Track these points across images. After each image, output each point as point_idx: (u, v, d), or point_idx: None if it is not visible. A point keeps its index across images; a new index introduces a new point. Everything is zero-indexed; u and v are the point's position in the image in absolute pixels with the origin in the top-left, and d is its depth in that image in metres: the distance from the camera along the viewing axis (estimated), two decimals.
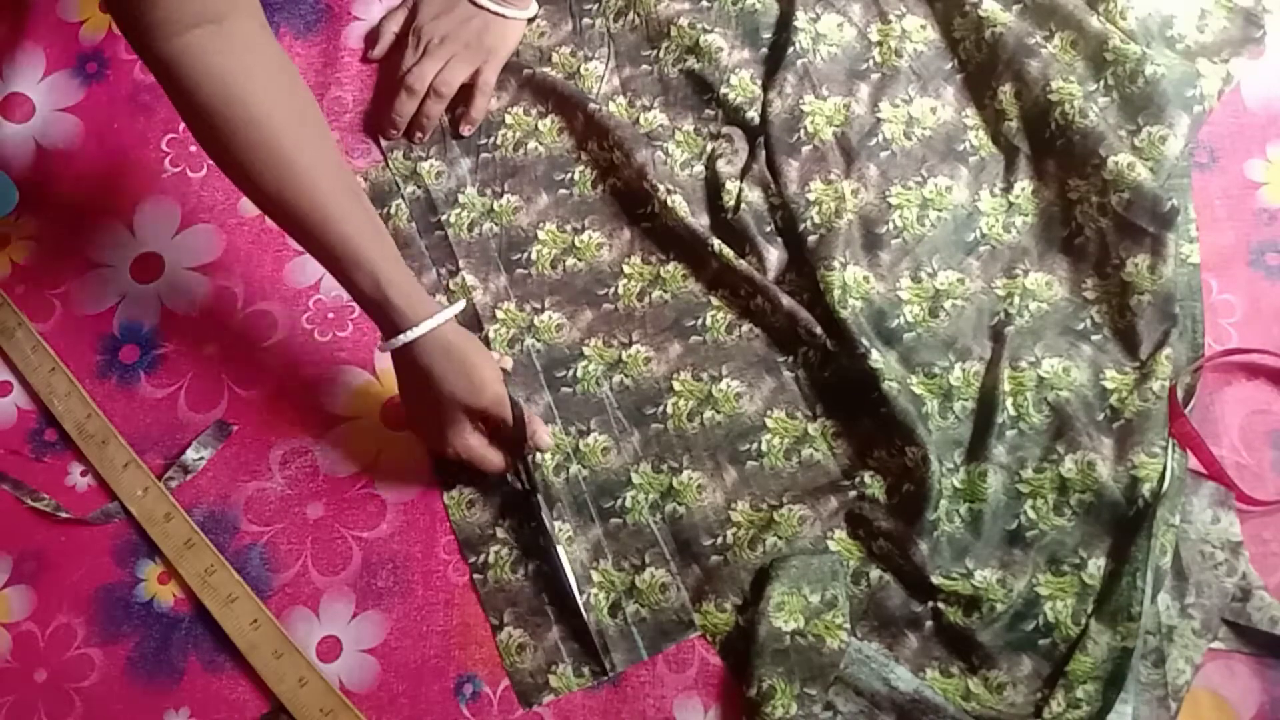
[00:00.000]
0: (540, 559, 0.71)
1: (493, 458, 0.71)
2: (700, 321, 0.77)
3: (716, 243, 0.77)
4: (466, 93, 0.84)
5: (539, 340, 0.78)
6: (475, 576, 0.71)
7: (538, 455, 0.73)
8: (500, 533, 0.70)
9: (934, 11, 0.85)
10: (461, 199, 0.83)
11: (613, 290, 0.79)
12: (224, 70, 0.60)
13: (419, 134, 0.84)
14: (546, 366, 0.77)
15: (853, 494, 0.71)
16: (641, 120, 0.83)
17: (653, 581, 0.70)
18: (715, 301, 0.78)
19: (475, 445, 0.70)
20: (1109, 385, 0.71)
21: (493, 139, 0.85)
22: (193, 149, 0.87)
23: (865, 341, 0.71)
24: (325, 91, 0.88)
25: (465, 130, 0.84)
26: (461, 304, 0.69)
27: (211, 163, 0.85)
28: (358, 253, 0.64)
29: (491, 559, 0.71)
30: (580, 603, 0.69)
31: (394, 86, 0.84)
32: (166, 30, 0.59)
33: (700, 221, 0.79)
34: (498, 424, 0.70)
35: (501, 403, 0.68)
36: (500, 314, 0.79)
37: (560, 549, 0.70)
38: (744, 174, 0.80)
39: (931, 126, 0.81)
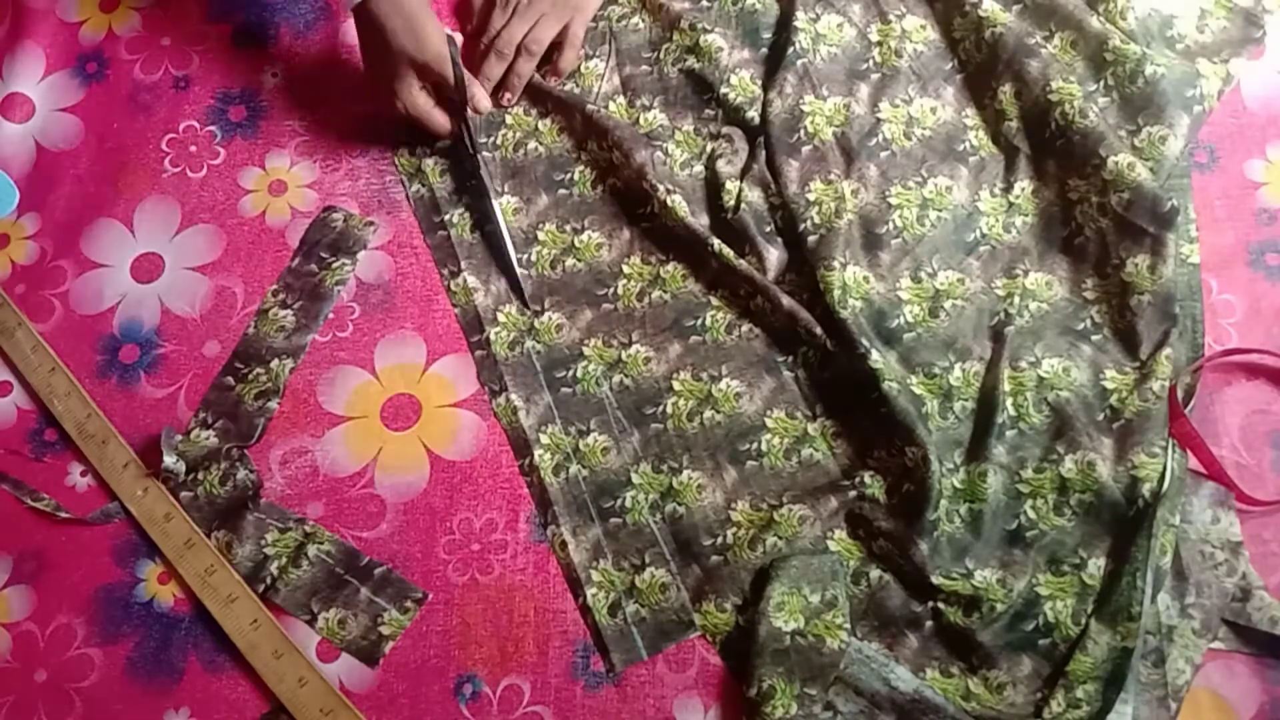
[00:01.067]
0: (486, 220, 0.81)
1: (438, 117, 0.81)
2: (700, 321, 0.77)
3: (716, 243, 0.77)
4: (553, 47, 0.85)
5: (539, 341, 0.78)
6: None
7: (495, 205, 0.81)
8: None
9: (934, 11, 0.85)
10: (464, 200, 0.83)
11: (612, 290, 0.79)
12: None
13: (507, 95, 0.85)
14: (546, 367, 0.77)
15: (853, 494, 0.71)
16: (641, 120, 0.83)
17: (653, 581, 0.70)
18: (715, 301, 0.78)
19: (422, 103, 0.80)
20: (1109, 385, 0.71)
21: (493, 139, 0.85)
22: (193, 149, 0.87)
23: (865, 341, 0.71)
24: None
25: (553, 81, 0.86)
26: None
27: (212, 163, 0.86)
28: None
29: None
30: (513, 257, 0.79)
31: (480, 50, 0.86)
32: None
33: (700, 221, 0.79)
34: (441, 83, 0.79)
35: (443, 60, 0.77)
36: (501, 316, 0.79)
37: (496, 204, 0.80)
38: (744, 174, 0.80)
39: (931, 126, 0.81)
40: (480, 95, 0.82)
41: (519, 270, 0.79)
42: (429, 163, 0.84)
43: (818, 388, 0.74)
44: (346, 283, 0.81)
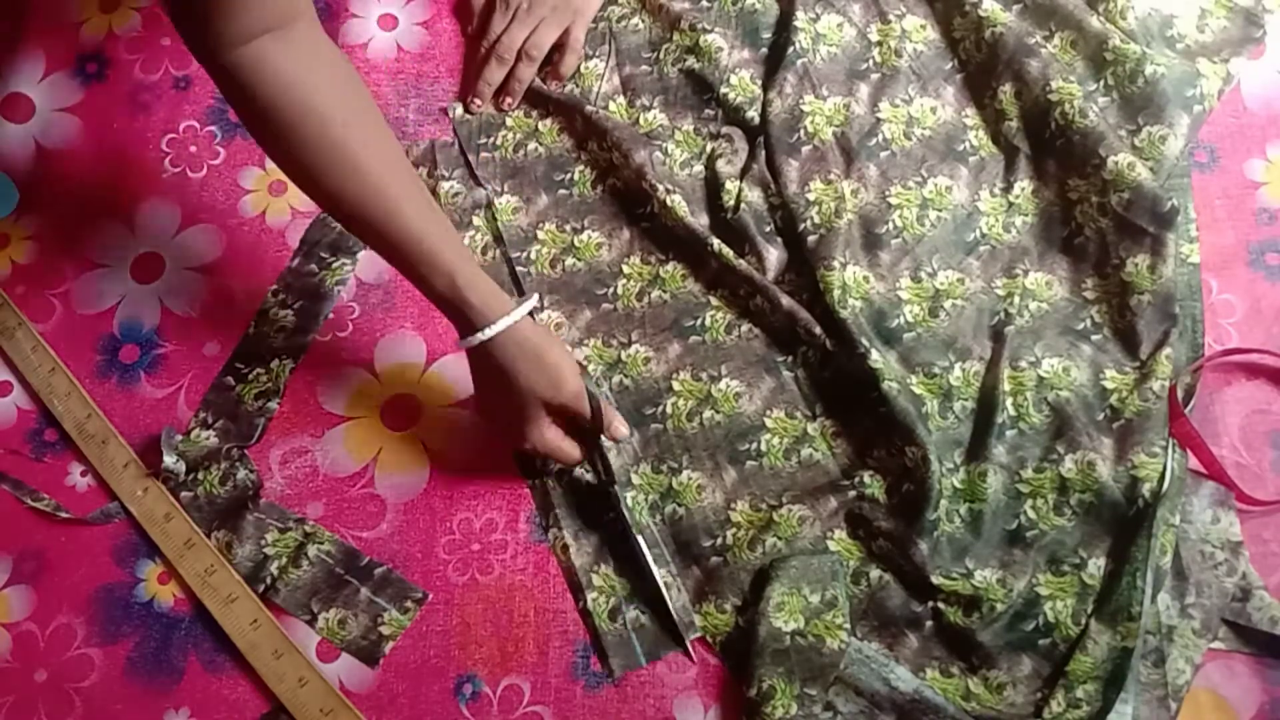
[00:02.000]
0: (624, 559, 0.71)
1: (569, 450, 0.71)
2: (699, 321, 0.77)
3: (716, 242, 0.77)
4: (554, 50, 0.85)
5: None
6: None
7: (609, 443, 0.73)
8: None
9: (934, 11, 0.85)
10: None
11: (612, 290, 0.79)
12: (290, 75, 0.60)
13: (508, 100, 0.85)
14: None
15: (852, 494, 0.71)
16: (641, 120, 0.83)
17: None
18: (715, 301, 0.78)
19: (552, 439, 0.70)
20: (1109, 385, 0.71)
21: (492, 140, 0.85)
22: (193, 149, 0.87)
23: (865, 341, 0.71)
24: None
25: (554, 86, 0.85)
26: (534, 300, 0.70)
27: (212, 163, 0.86)
28: (432, 253, 0.64)
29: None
30: (666, 595, 0.69)
31: (481, 54, 0.85)
32: (232, 40, 0.58)
33: (700, 221, 0.79)
34: (575, 416, 0.70)
35: (580, 397, 0.68)
36: None
37: (641, 539, 0.70)
38: (744, 174, 0.80)
39: (931, 126, 0.81)
40: (619, 423, 0.72)
41: (670, 604, 0.69)
42: (445, 186, 0.82)
43: (817, 387, 0.74)
44: (346, 283, 0.81)
